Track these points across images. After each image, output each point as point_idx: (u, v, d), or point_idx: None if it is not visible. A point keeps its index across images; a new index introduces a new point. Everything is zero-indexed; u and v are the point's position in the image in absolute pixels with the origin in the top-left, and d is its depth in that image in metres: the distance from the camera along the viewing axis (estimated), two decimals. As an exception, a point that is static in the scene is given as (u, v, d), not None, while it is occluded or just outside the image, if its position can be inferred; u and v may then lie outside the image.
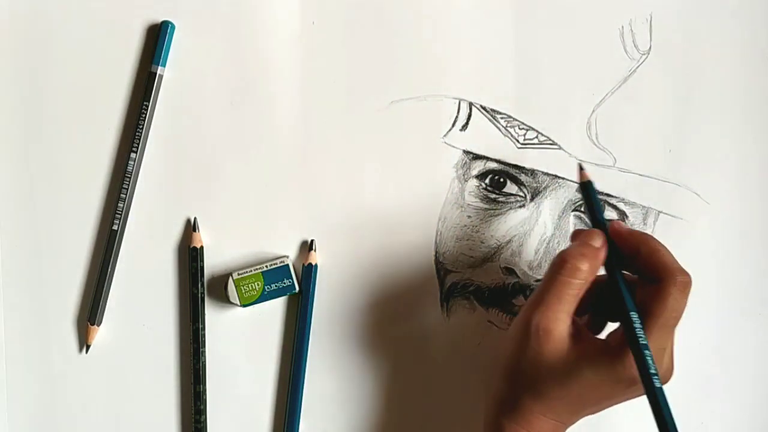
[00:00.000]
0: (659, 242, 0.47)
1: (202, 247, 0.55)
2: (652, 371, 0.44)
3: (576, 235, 0.49)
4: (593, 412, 0.49)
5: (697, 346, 0.57)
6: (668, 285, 0.45)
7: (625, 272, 0.48)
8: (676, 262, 0.46)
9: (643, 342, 0.45)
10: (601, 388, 0.46)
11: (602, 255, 0.47)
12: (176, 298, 0.56)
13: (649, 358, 0.44)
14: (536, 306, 0.47)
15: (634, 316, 0.45)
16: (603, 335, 0.49)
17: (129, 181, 0.54)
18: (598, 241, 0.47)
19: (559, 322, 0.46)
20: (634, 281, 0.48)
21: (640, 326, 0.45)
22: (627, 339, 0.45)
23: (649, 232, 0.57)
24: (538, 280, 0.56)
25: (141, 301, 0.56)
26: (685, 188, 0.57)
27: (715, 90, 0.57)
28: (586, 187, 0.50)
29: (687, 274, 0.46)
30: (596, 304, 0.50)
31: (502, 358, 0.50)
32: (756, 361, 0.58)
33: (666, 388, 0.57)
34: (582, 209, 0.56)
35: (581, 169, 0.51)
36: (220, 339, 0.56)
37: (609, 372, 0.45)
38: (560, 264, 0.46)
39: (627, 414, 0.51)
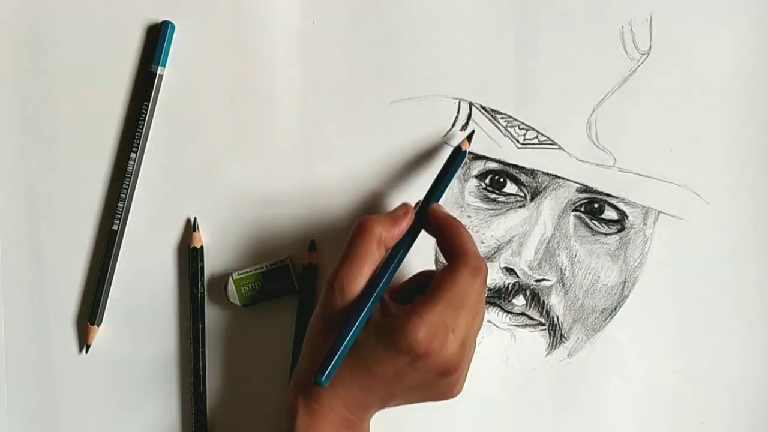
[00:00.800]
0: (466, 230, 0.50)
1: (202, 247, 0.55)
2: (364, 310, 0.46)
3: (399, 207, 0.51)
4: (389, 397, 0.49)
5: (697, 346, 0.57)
6: (460, 265, 0.47)
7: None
8: (476, 249, 0.49)
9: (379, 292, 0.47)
10: (385, 359, 0.47)
11: (402, 224, 0.49)
12: (176, 298, 0.56)
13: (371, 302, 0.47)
14: (338, 265, 0.48)
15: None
16: None
17: (129, 181, 0.54)
18: (400, 211, 0.50)
19: (354, 283, 0.47)
20: (433, 274, 0.50)
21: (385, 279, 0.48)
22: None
23: (648, 232, 0.57)
24: (538, 280, 0.57)
25: (141, 301, 0.56)
26: (685, 188, 0.57)
27: (715, 90, 0.57)
28: (456, 154, 0.52)
29: (482, 261, 0.48)
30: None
31: (314, 313, 0.50)
32: (756, 361, 0.58)
33: (666, 388, 0.58)
34: (582, 209, 0.56)
35: (470, 138, 0.53)
36: (220, 339, 0.56)
37: (388, 338, 0.46)
38: (356, 227, 0.49)
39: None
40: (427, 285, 0.48)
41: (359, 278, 0.48)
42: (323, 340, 0.48)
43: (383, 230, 0.49)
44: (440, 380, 0.48)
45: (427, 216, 0.51)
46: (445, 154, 0.56)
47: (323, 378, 0.45)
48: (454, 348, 0.47)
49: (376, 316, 0.48)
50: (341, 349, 0.46)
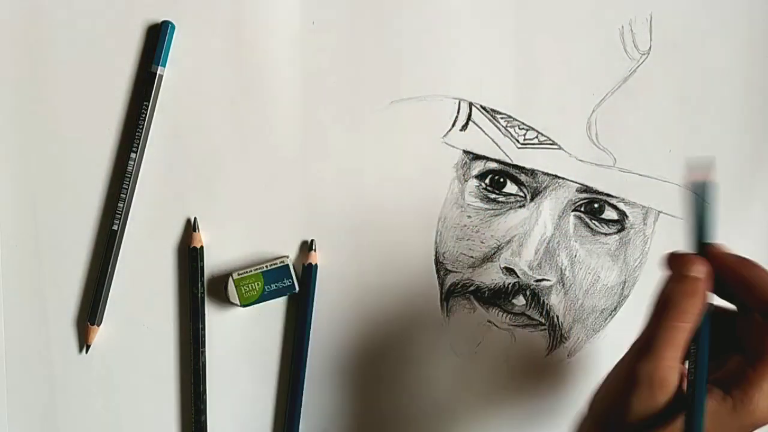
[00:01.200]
0: (763, 268, 0.43)
1: (202, 247, 0.55)
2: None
3: (673, 260, 0.44)
4: None
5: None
6: None
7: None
8: None
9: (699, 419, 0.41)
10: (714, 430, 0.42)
11: (708, 286, 0.43)
12: (176, 298, 0.56)
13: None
14: (644, 354, 0.42)
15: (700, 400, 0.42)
16: None
17: (129, 181, 0.54)
18: (702, 272, 0.43)
19: (670, 371, 0.42)
20: (729, 313, 0.44)
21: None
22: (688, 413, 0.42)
23: (648, 232, 0.57)
24: (538, 280, 0.57)
25: (141, 301, 0.56)
26: (685, 188, 0.57)
27: (715, 90, 0.57)
28: (699, 191, 0.44)
29: None
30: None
31: (599, 408, 0.45)
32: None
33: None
34: (582, 209, 0.56)
35: (705, 167, 0.44)
36: (220, 339, 0.56)
37: (729, 416, 0.42)
38: (667, 307, 0.42)
39: None
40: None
41: (677, 366, 0.42)
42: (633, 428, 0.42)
43: (697, 306, 0.42)
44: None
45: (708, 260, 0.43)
46: (446, 154, 0.56)
47: None
48: None
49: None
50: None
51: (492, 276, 0.56)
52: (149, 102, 0.54)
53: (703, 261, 0.43)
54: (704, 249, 0.43)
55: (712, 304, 0.43)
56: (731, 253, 0.44)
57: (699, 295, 0.42)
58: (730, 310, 0.45)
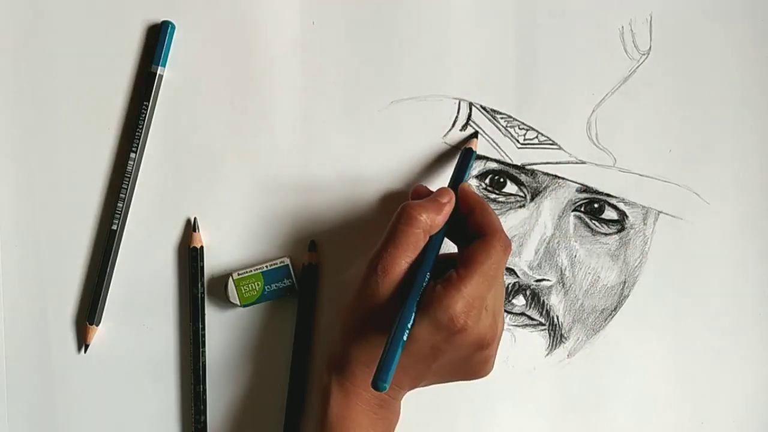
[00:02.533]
0: (492, 209, 0.51)
1: (202, 247, 0.55)
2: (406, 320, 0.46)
3: (419, 190, 0.53)
4: (423, 375, 0.49)
5: (697, 346, 0.57)
6: (493, 239, 0.48)
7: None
8: (502, 226, 0.50)
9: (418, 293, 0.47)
10: (422, 335, 0.47)
11: (446, 210, 0.50)
12: (176, 298, 0.56)
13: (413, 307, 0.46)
14: (378, 250, 0.49)
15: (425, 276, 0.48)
16: None
17: (129, 181, 0.54)
18: (445, 198, 0.50)
19: (397, 266, 0.48)
20: (453, 257, 0.50)
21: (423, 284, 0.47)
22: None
23: (648, 232, 0.57)
24: (538, 280, 0.57)
25: (141, 301, 0.56)
26: (685, 188, 0.57)
27: (715, 90, 0.57)
28: (467, 154, 0.54)
29: (509, 240, 0.49)
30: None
31: (340, 311, 0.51)
32: (756, 361, 0.58)
33: (666, 388, 0.57)
34: (582, 209, 0.56)
35: (475, 137, 0.55)
36: (220, 339, 0.56)
37: (425, 314, 0.46)
38: (401, 213, 0.49)
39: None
40: (448, 262, 0.49)
41: (403, 263, 0.48)
42: (361, 322, 0.48)
43: (429, 218, 0.49)
44: (475, 355, 0.48)
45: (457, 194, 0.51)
46: (446, 154, 0.56)
47: (385, 384, 0.44)
48: (488, 320, 0.48)
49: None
50: (398, 349, 0.45)
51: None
52: (149, 102, 0.54)
53: (448, 190, 0.51)
54: (455, 187, 0.52)
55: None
56: (473, 191, 0.52)
57: (432, 210, 0.49)
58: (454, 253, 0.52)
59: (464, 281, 0.46)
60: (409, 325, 0.46)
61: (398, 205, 0.50)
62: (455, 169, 0.54)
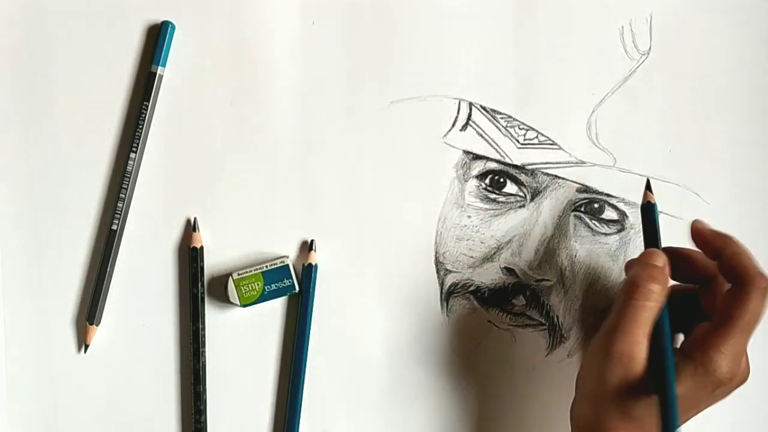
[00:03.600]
0: (741, 245, 0.48)
1: (202, 247, 0.55)
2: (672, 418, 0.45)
3: (632, 262, 0.51)
4: (684, 420, 0.49)
5: (697, 346, 0.57)
6: (751, 289, 0.46)
7: (680, 284, 0.51)
8: (758, 266, 0.47)
9: (671, 391, 0.45)
10: (687, 394, 0.46)
11: (667, 273, 0.49)
12: (176, 298, 0.56)
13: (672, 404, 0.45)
14: (614, 332, 0.47)
15: (669, 362, 0.46)
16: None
17: (129, 181, 0.54)
18: (660, 261, 0.49)
19: (639, 346, 0.47)
20: (693, 290, 0.50)
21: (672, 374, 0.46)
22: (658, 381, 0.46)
23: (649, 232, 0.57)
24: (538, 280, 0.57)
25: (141, 301, 0.56)
26: (685, 188, 0.57)
27: (715, 90, 0.57)
28: (648, 210, 0.52)
29: (767, 279, 0.46)
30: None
31: (583, 386, 0.50)
32: (756, 361, 0.58)
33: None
34: (582, 209, 0.56)
35: (648, 188, 0.53)
36: (220, 339, 0.56)
37: (692, 379, 0.46)
38: (633, 289, 0.47)
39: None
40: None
41: (643, 341, 0.47)
42: (616, 414, 0.47)
43: (661, 289, 0.48)
44: (727, 393, 0.48)
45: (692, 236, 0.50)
46: (446, 154, 0.56)
47: None
48: (745, 362, 0.48)
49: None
50: (673, 407, 0.45)
51: (492, 276, 0.56)
52: (149, 102, 0.54)
53: (659, 252, 0.50)
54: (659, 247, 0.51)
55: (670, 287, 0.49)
56: (711, 229, 0.50)
57: (659, 278, 0.48)
58: (692, 287, 0.51)
59: (724, 340, 0.46)
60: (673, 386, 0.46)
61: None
62: (645, 230, 0.52)
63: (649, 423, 0.46)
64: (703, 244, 0.49)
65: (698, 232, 0.50)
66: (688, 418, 0.49)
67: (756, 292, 0.46)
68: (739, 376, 0.47)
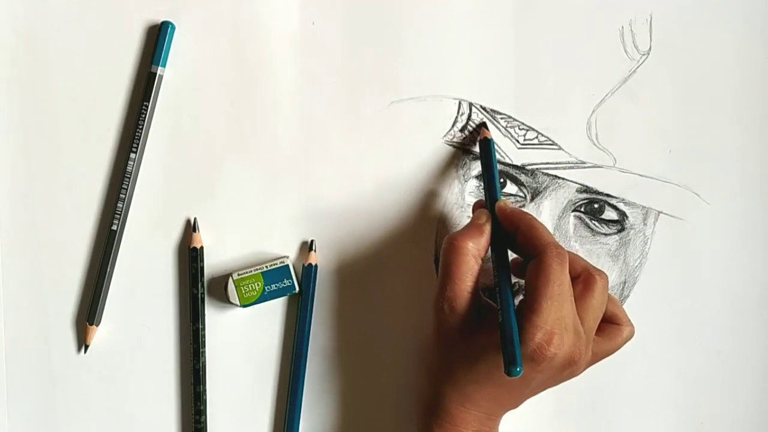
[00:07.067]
0: (536, 219, 0.50)
1: (202, 248, 0.55)
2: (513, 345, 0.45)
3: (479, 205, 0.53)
4: (517, 400, 0.50)
5: (697, 346, 0.57)
6: (546, 258, 0.47)
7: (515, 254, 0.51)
8: (552, 236, 0.49)
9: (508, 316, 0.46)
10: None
11: (486, 230, 0.50)
12: (176, 298, 0.56)
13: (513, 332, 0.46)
14: (438, 290, 0.49)
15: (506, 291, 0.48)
16: None
17: (128, 181, 0.54)
18: (482, 218, 0.50)
19: (461, 299, 0.48)
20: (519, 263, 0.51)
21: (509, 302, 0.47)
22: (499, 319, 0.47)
23: (648, 232, 0.57)
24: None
25: (141, 301, 0.56)
26: (685, 188, 0.57)
27: (715, 90, 0.57)
28: (486, 145, 0.53)
29: (561, 247, 0.48)
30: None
31: (424, 359, 0.52)
32: (756, 361, 0.58)
33: (666, 388, 0.58)
34: (582, 209, 0.56)
35: (485, 126, 0.54)
36: (220, 339, 0.56)
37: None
38: (447, 248, 0.49)
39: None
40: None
41: (465, 294, 0.48)
42: (445, 363, 0.49)
43: (474, 244, 0.49)
44: (564, 372, 0.48)
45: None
46: (446, 154, 0.56)
47: (518, 368, 0.44)
48: (570, 338, 0.47)
49: (478, 323, 0.49)
50: (513, 329, 0.45)
51: (492, 276, 0.56)
52: (149, 102, 0.54)
53: (484, 211, 0.51)
54: (493, 204, 0.51)
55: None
56: (512, 207, 0.51)
57: (475, 235, 0.49)
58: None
59: (534, 311, 0.46)
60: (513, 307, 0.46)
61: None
62: (483, 168, 0.54)
63: (473, 391, 0.48)
64: (504, 221, 0.50)
65: (500, 210, 0.51)
66: (515, 401, 0.50)
67: (552, 260, 0.46)
68: (563, 350, 0.46)
